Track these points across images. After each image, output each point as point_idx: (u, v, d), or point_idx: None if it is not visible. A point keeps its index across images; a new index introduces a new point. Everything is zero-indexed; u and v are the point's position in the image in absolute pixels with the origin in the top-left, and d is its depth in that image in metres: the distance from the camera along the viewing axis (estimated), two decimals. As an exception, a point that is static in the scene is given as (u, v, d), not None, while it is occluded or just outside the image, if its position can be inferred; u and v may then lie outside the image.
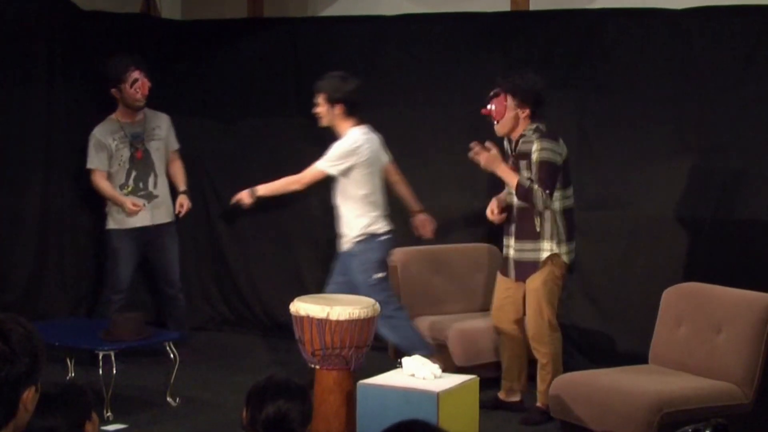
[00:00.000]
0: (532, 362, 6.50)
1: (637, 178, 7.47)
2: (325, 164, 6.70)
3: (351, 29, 8.40)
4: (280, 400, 3.61)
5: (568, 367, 6.82)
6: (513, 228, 6.38)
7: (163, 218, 7.73)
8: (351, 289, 6.59)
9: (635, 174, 7.48)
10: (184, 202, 7.80)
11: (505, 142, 6.46)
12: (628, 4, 7.51)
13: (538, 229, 6.24)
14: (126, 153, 7.59)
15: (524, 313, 6.42)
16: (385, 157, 6.97)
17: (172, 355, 6.62)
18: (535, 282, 6.27)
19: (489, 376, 6.54)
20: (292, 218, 8.60)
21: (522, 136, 6.28)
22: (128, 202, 7.49)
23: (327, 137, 8.47)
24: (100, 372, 6.31)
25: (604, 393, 5.64)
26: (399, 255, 7.48)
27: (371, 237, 6.72)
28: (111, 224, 7.65)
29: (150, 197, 7.66)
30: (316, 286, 8.21)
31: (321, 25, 8.58)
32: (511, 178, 6.24)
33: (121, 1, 8.69)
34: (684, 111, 7.32)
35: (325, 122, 6.82)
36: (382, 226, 6.76)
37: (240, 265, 8.77)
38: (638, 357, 6.36)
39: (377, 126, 8.22)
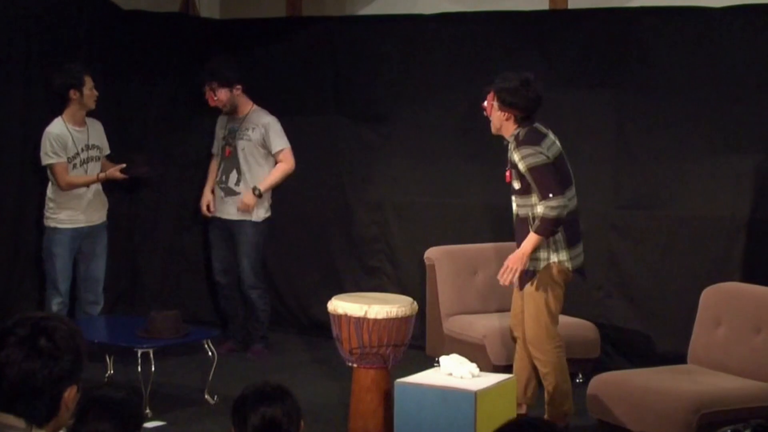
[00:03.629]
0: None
1: (676, 178, 7.43)
2: None
3: (389, 28, 8.40)
4: (261, 408, 3.54)
5: (605, 367, 6.80)
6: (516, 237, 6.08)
7: (236, 215, 7.81)
8: None
9: (673, 173, 7.43)
10: (245, 197, 7.74)
11: None
12: (667, 2, 7.47)
13: None
14: (221, 144, 7.92)
15: None
16: None
17: (210, 353, 6.65)
18: (531, 287, 5.97)
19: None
20: (330, 216, 8.61)
21: (508, 143, 6.01)
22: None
23: (367, 136, 8.52)
24: (139, 369, 6.35)
25: (642, 393, 5.62)
26: (435, 253, 7.47)
27: None
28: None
29: (230, 192, 7.83)
30: (354, 284, 8.23)
31: (359, 24, 8.59)
32: (533, 241, 5.83)
33: (160, 0, 8.74)
34: (723, 110, 7.27)
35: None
36: None
37: (276, 263, 8.77)
38: (677, 357, 6.33)
39: (412, 123, 8.26)
